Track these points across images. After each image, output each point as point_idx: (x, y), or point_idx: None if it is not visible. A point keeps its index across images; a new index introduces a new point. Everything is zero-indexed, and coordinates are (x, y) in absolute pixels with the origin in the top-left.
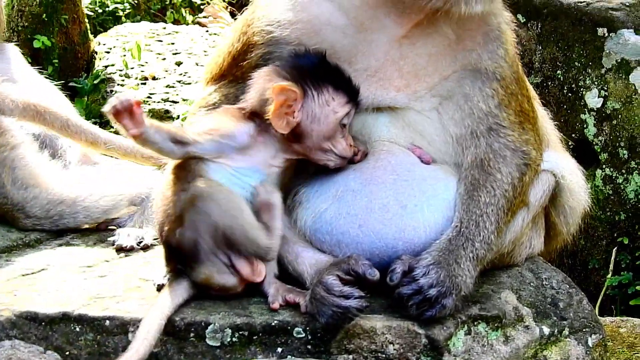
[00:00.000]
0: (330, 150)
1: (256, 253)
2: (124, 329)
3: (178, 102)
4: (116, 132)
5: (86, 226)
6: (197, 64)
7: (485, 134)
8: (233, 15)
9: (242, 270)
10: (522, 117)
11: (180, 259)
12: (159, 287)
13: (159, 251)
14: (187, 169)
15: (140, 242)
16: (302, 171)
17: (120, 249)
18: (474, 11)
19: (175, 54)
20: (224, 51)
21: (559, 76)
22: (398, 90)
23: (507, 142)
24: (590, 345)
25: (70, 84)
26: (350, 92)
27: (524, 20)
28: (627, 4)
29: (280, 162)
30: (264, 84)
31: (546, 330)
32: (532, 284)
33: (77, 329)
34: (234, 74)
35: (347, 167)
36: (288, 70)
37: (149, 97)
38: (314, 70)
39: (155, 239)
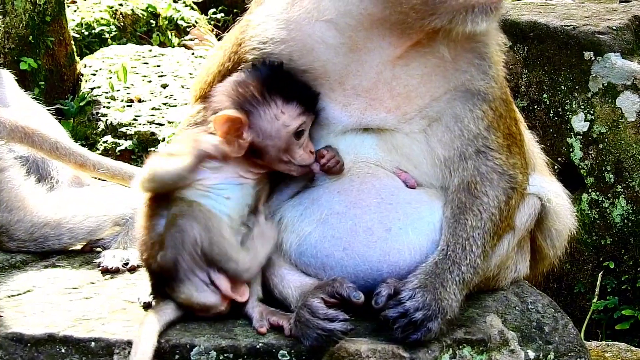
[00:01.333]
0: (289, 162)
1: (233, 271)
2: (109, 350)
3: (164, 125)
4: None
5: (72, 248)
6: (182, 87)
7: (474, 157)
8: (219, 37)
9: (221, 286)
10: (510, 141)
11: (162, 282)
12: (145, 305)
13: (144, 273)
14: (163, 197)
15: (126, 264)
16: (283, 190)
17: (105, 271)
18: (478, 29)
19: (161, 76)
20: (212, 70)
21: (545, 100)
22: (388, 111)
23: (495, 166)
24: None
25: (57, 106)
26: (305, 102)
27: (511, 43)
28: (614, 27)
29: (252, 175)
30: (214, 109)
31: (531, 354)
32: (517, 307)
33: (63, 351)
34: None
35: (332, 190)
36: (237, 90)
37: (134, 120)
38: (263, 84)
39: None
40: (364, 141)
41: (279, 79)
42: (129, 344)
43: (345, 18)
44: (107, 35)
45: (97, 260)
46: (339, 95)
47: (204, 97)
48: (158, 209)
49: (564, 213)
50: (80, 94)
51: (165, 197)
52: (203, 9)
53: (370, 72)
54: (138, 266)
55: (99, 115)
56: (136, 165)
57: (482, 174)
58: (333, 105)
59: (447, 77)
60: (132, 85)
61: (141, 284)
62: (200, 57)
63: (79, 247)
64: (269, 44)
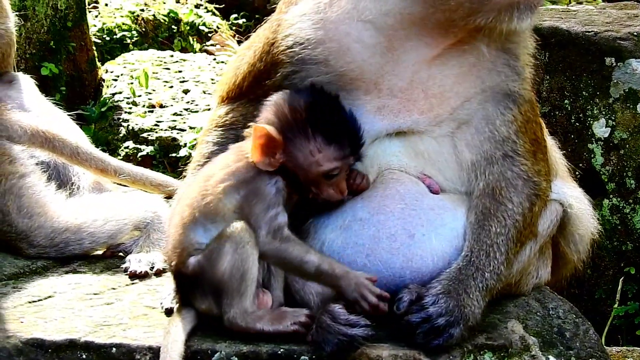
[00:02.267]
0: (317, 194)
1: (225, 312)
2: (130, 356)
3: (185, 130)
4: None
5: (93, 253)
6: (204, 92)
7: (501, 160)
8: (240, 43)
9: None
10: (536, 147)
11: (188, 287)
12: (167, 311)
13: (166, 278)
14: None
15: (152, 267)
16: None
17: (134, 275)
18: (524, 26)
19: (183, 81)
20: (242, 70)
21: (567, 105)
22: (421, 113)
23: (520, 172)
24: None
25: (78, 111)
26: (346, 148)
27: None
28: (635, 33)
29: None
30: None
31: (553, 359)
32: (538, 313)
33: (84, 356)
34: (255, 93)
35: (355, 197)
36: (285, 109)
37: (156, 125)
38: (311, 115)
39: (165, 263)
40: (387, 148)
41: (328, 116)
42: (151, 349)
43: (385, 17)
44: (128, 41)
45: (123, 266)
46: (373, 97)
47: (233, 98)
48: (199, 218)
49: (586, 217)
50: (102, 99)
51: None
52: (225, 14)
53: (406, 71)
54: (164, 269)
55: (121, 120)
56: (157, 171)
57: (507, 179)
58: (368, 109)
59: (482, 76)
60: (154, 90)
61: (162, 289)
62: (222, 62)
63: (100, 252)
64: (306, 45)
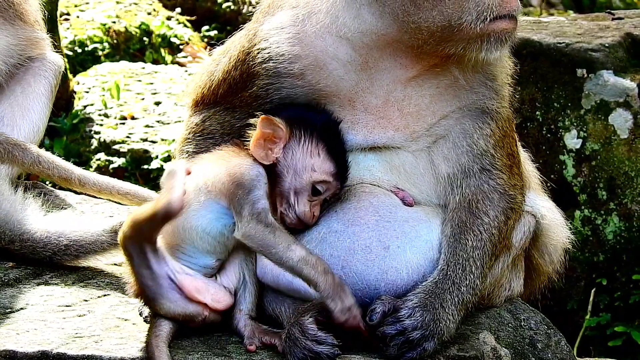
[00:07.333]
0: (292, 207)
1: (163, 212)
2: None
3: (157, 142)
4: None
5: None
6: (176, 104)
7: (478, 174)
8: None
9: (183, 287)
10: (512, 161)
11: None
12: (147, 319)
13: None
14: None
15: None
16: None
17: None
18: (492, 57)
19: (154, 93)
20: (218, 77)
21: (538, 117)
22: (397, 130)
23: (497, 185)
24: None
25: (50, 123)
26: (340, 170)
27: None
28: (607, 45)
29: None
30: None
31: None
32: (510, 324)
33: None
34: (230, 102)
35: (330, 209)
36: (296, 115)
37: (127, 137)
38: (321, 127)
39: None
40: (361, 162)
41: (333, 133)
42: None
43: (361, 36)
44: (100, 53)
45: None
46: (347, 112)
47: (208, 104)
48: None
49: (559, 227)
50: (74, 111)
51: None
52: (196, 26)
53: (381, 90)
54: None
55: (92, 132)
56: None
57: (483, 192)
58: (341, 123)
59: (459, 96)
60: (125, 102)
61: (134, 301)
62: (194, 74)
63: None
64: (282, 61)
